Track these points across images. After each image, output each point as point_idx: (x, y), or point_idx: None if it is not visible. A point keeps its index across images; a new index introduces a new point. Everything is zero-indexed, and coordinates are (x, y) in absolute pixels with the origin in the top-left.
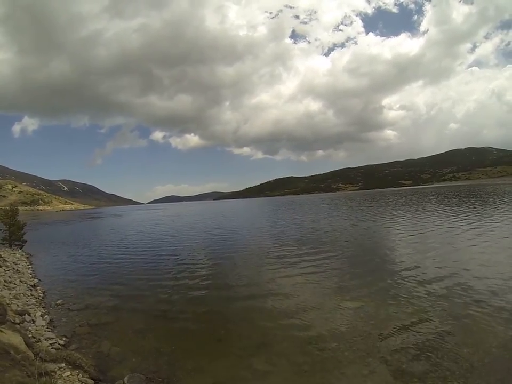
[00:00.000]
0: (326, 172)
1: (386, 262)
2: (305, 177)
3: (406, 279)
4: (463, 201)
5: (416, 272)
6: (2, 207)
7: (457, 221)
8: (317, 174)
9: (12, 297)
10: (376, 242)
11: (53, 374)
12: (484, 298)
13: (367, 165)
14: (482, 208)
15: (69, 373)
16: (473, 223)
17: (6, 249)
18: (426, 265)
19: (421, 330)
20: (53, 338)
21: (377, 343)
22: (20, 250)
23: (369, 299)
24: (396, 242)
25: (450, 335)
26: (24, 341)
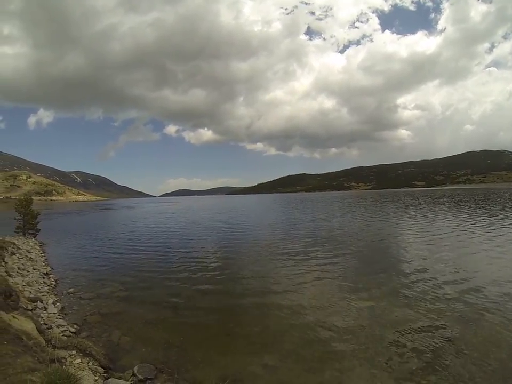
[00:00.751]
0: (339, 170)
1: (398, 263)
2: (317, 174)
3: (418, 281)
4: (479, 204)
5: (428, 274)
6: (17, 197)
7: (472, 224)
8: (330, 171)
9: (24, 284)
10: (389, 243)
11: (63, 360)
12: (496, 304)
13: (380, 164)
14: (498, 213)
15: (79, 360)
16: (488, 227)
17: (20, 237)
18: (439, 268)
19: (432, 333)
20: (64, 326)
21: (387, 344)
22: (33, 239)
23: (380, 299)
24: (409, 244)
25: (461, 339)
26: (36, 328)
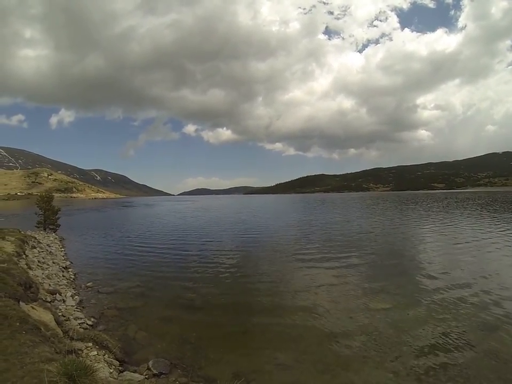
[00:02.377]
0: (358, 171)
1: (416, 267)
2: (336, 175)
3: (437, 285)
4: (504, 208)
5: (447, 279)
6: (39, 193)
7: (496, 230)
8: (348, 172)
9: (44, 277)
10: (408, 247)
11: (80, 352)
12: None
13: (399, 166)
14: None
15: (95, 353)
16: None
17: (41, 232)
18: (458, 274)
19: (448, 338)
20: (81, 318)
21: (403, 347)
22: (53, 234)
23: (397, 302)
24: (429, 248)
25: (478, 345)
26: (54, 319)
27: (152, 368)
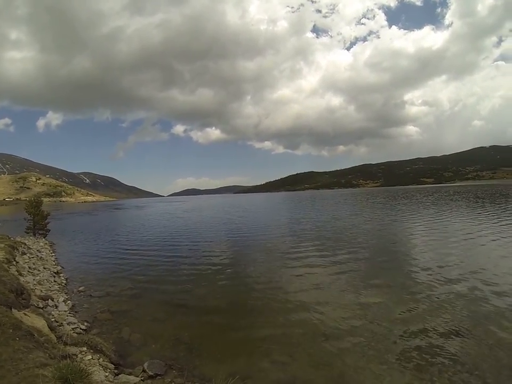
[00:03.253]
0: (347, 167)
1: (408, 262)
2: (325, 172)
3: (427, 279)
4: (491, 201)
5: (437, 272)
6: (27, 198)
7: (486, 223)
8: (338, 169)
9: (35, 283)
10: (400, 242)
11: (74, 357)
12: (505, 302)
13: (388, 161)
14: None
15: (90, 357)
16: (502, 226)
17: (30, 237)
18: (449, 267)
19: (439, 330)
20: (75, 323)
21: (396, 340)
22: (43, 239)
23: (388, 296)
24: (420, 243)
25: (469, 337)
26: (47, 325)
27: (147, 370)
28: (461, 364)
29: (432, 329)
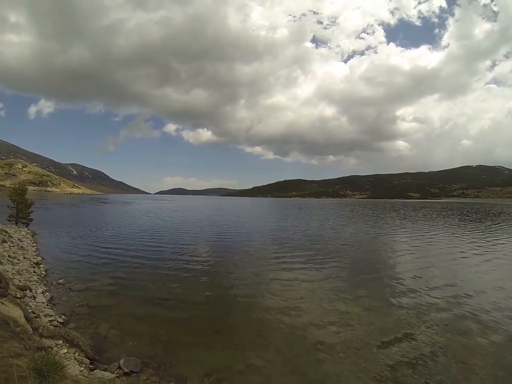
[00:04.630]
0: (335, 177)
1: (388, 272)
2: (314, 181)
3: (407, 290)
4: (475, 218)
5: (417, 283)
6: (12, 186)
7: (469, 238)
8: (326, 179)
9: (14, 272)
10: (384, 253)
11: (50, 349)
12: (483, 313)
13: (376, 174)
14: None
15: (65, 350)
16: (484, 241)
17: (12, 226)
18: (429, 279)
19: (417, 340)
20: (52, 316)
21: (373, 349)
22: (25, 228)
23: (368, 305)
24: (401, 254)
25: (446, 347)
26: (24, 315)
27: (123, 367)
28: (434, 371)
29: (409, 340)
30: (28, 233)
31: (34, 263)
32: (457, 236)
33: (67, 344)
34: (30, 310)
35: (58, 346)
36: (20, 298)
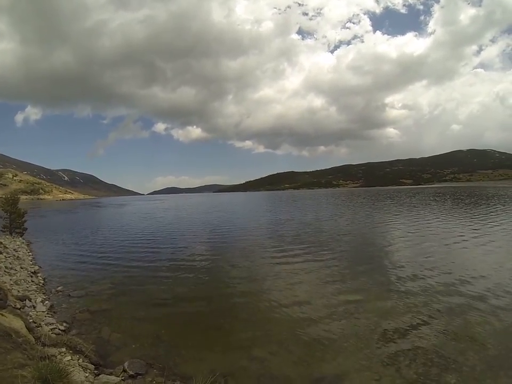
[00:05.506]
0: (327, 167)
1: (387, 260)
2: (306, 172)
3: (407, 276)
4: (469, 202)
5: (417, 269)
6: (3, 196)
7: (463, 222)
8: (318, 169)
9: (12, 283)
10: (379, 240)
11: (53, 358)
12: (480, 295)
13: (368, 163)
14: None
15: (69, 358)
16: (478, 224)
17: (7, 236)
18: (427, 265)
19: (418, 326)
20: (53, 324)
21: (374, 337)
22: (20, 238)
23: (368, 294)
24: (399, 241)
25: (447, 332)
26: (25, 326)
27: (128, 370)
28: (435, 356)
29: (408, 324)
30: (23, 242)
31: (32, 272)
32: (453, 220)
33: (70, 351)
34: (31, 320)
35: (62, 354)
36: (19, 308)
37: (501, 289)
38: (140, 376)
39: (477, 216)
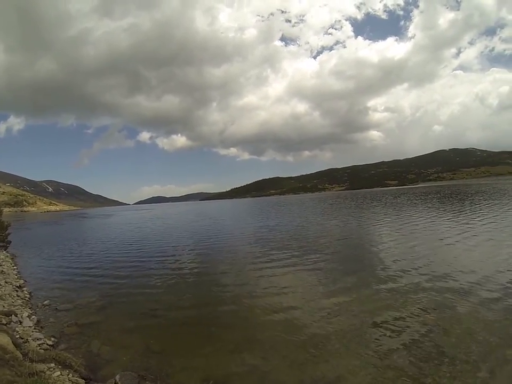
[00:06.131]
0: (312, 172)
1: (375, 261)
2: (291, 177)
3: (395, 277)
4: (453, 200)
5: (405, 269)
6: None
7: (448, 219)
8: (303, 174)
9: None
10: (367, 242)
11: (42, 374)
12: (467, 292)
13: (353, 166)
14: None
15: (58, 373)
16: (464, 221)
17: None
18: (415, 264)
19: (407, 321)
20: (41, 339)
21: (367, 337)
22: (4, 252)
23: (357, 294)
24: (387, 242)
25: (436, 326)
26: (12, 342)
27: (119, 383)
28: (426, 351)
29: (399, 322)
30: (7, 256)
31: (17, 287)
32: (439, 218)
33: (59, 367)
34: (18, 336)
35: (51, 369)
36: (5, 324)
37: (489, 282)
38: None
39: (462, 213)
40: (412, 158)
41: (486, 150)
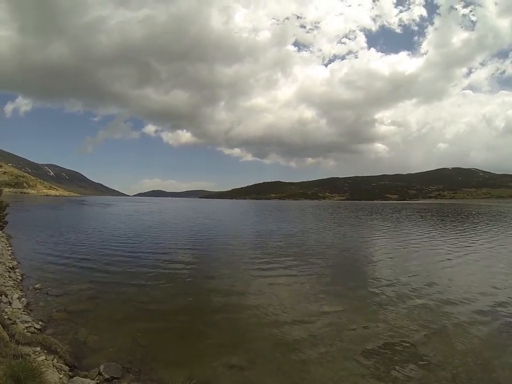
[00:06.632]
0: (314, 179)
1: (370, 274)
2: (292, 182)
3: (389, 290)
4: (454, 219)
5: (399, 283)
6: None
7: (447, 237)
8: (305, 180)
9: None
10: (364, 254)
11: (27, 357)
12: (460, 310)
13: (355, 176)
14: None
15: (43, 357)
16: (462, 240)
17: None
18: (408, 278)
19: (396, 336)
20: (29, 322)
21: (354, 346)
22: (0, 231)
23: (349, 305)
24: (383, 257)
25: (425, 343)
26: (0, 322)
27: (103, 373)
28: (415, 371)
29: (388, 336)
30: (2, 236)
31: (10, 268)
32: (439, 236)
33: (45, 351)
34: (6, 316)
35: (36, 353)
36: None
37: (482, 299)
38: (116, 380)
39: (463, 233)
40: (414, 173)
41: (488, 172)
